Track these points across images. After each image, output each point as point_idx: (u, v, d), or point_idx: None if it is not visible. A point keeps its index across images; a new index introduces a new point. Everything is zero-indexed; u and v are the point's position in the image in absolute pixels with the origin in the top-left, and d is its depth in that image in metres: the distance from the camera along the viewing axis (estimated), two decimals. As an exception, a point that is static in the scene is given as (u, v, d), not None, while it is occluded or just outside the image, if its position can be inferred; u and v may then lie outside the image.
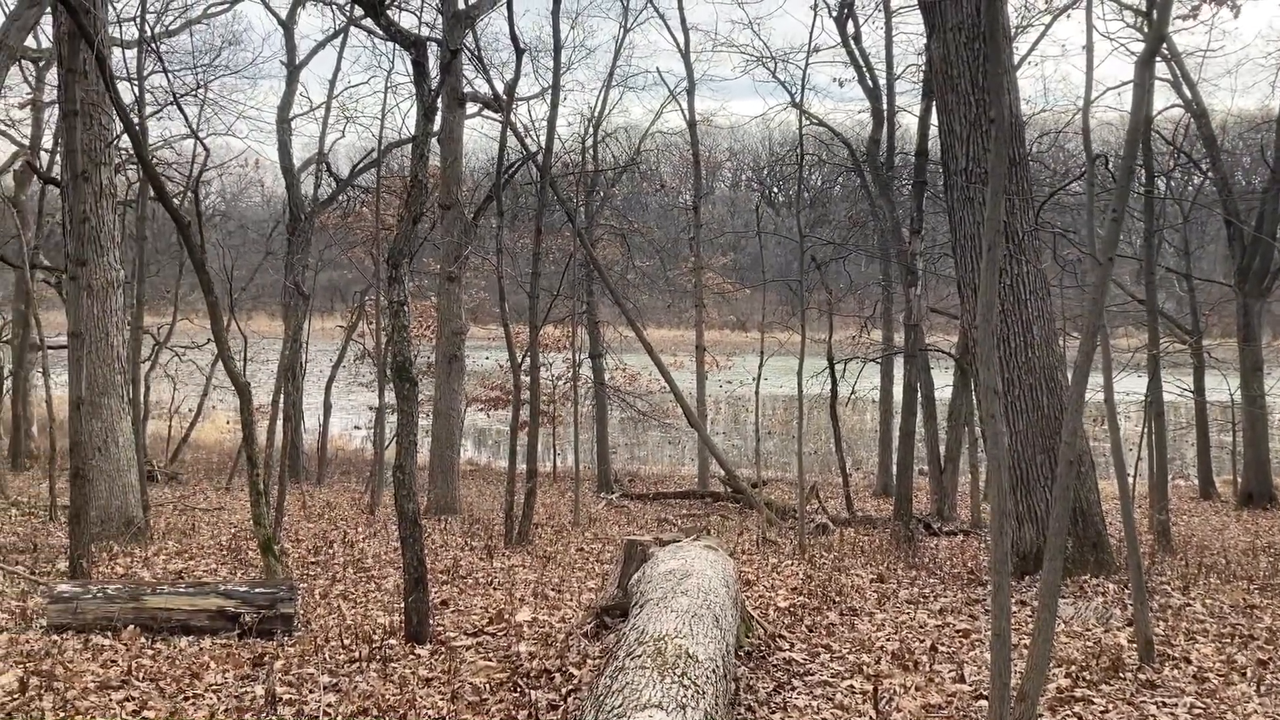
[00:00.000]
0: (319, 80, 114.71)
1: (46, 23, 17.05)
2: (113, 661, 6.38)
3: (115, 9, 16.47)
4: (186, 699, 5.73)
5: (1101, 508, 9.37)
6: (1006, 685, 4.08)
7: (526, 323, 13.80)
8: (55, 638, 6.90)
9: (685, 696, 4.23)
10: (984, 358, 4.31)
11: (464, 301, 17.18)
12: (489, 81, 16.26)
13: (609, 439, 22.45)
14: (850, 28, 18.46)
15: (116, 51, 16.70)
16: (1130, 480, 7.72)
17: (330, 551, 11.30)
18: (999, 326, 8.91)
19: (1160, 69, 16.04)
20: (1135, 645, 6.50)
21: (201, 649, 6.76)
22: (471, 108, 18.24)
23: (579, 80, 62.75)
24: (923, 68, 16.02)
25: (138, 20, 15.80)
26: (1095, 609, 7.83)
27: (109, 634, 6.97)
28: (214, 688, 5.92)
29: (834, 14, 18.38)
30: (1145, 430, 14.07)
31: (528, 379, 13.11)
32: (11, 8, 15.72)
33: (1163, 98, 16.61)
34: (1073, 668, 6.21)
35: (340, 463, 24.28)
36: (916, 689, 5.85)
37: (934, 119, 11.41)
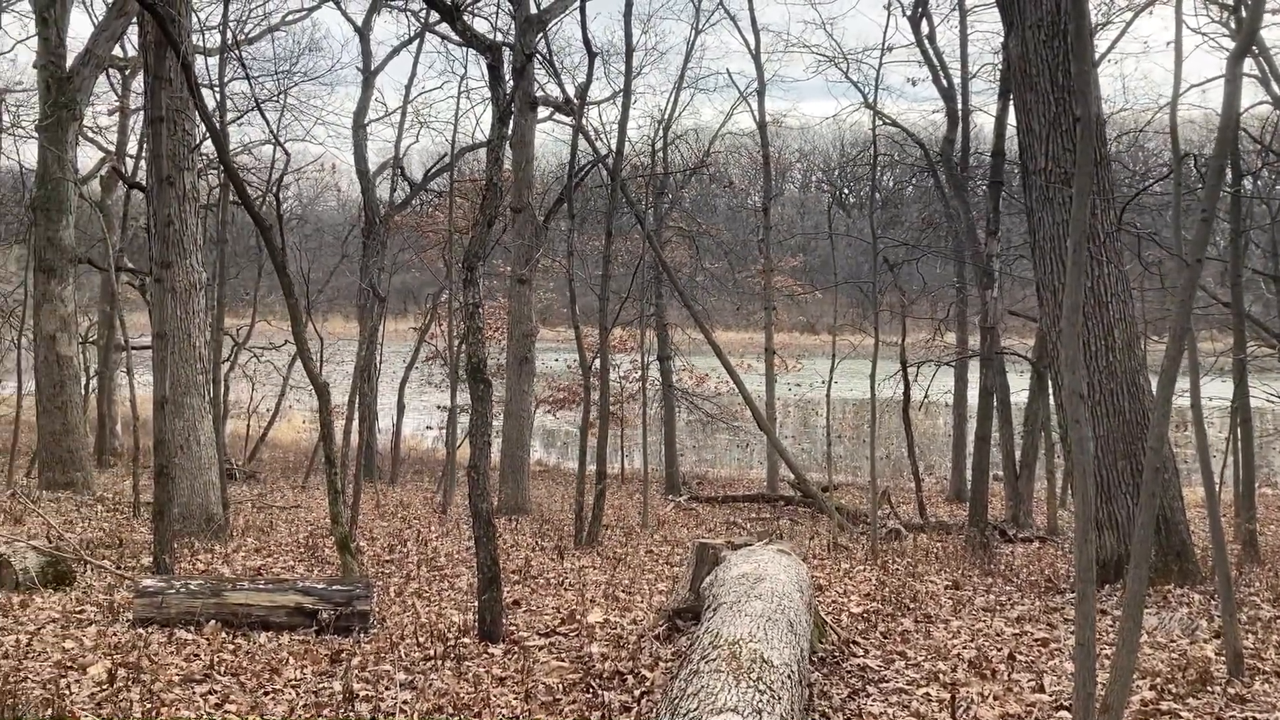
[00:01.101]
0: (394, 85, 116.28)
1: (133, 32, 17.57)
2: (195, 655, 6.53)
3: (199, 18, 16.92)
4: (267, 694, 5.85)
5: (1185, 515, 9.12)
6: (1091, 696, 3.98)
7: (596, 325, 13.83)
8: (141, 631, 7.08)
9: (761, 701, 4.21)
10: (1068, 361, 4.20)
11: (533, 303, 17.29)
12: (560, 85, 16.36)
13: (677, 441, 22.41)
14: (924, 27, 18.20)
15: (199, 59, 17.14)
16: (1216, 488, 7.48)
17: (404, 550, 11.45)
18: (1080, 329, 8.72)
19: (1248, 65, 15.56)
20: (1223, 658, 6.28)
21: (280, 645, 6.88)
22: (543, 111, 18.39)
23: (650, 84, 62.87)
24: (999, 67, 15.75)
25: (220, 28, 16.24)
26: (1180, 620, 7.61)
27: (192, 628, 7.14)
28: (293, 683, 6.03)
29: (908, 13, 18.14)
30: (1231, 437, 13.66)
31: (597, 381, 13.14)
32: (100, 18, 16.20)
33: (1250, 94, 16.16)
34: (1158, 680, 6.04)
35: (413, 462, 24.62)
36: (995, 698, 5.74)
37: (1011, 119, 11.22)
